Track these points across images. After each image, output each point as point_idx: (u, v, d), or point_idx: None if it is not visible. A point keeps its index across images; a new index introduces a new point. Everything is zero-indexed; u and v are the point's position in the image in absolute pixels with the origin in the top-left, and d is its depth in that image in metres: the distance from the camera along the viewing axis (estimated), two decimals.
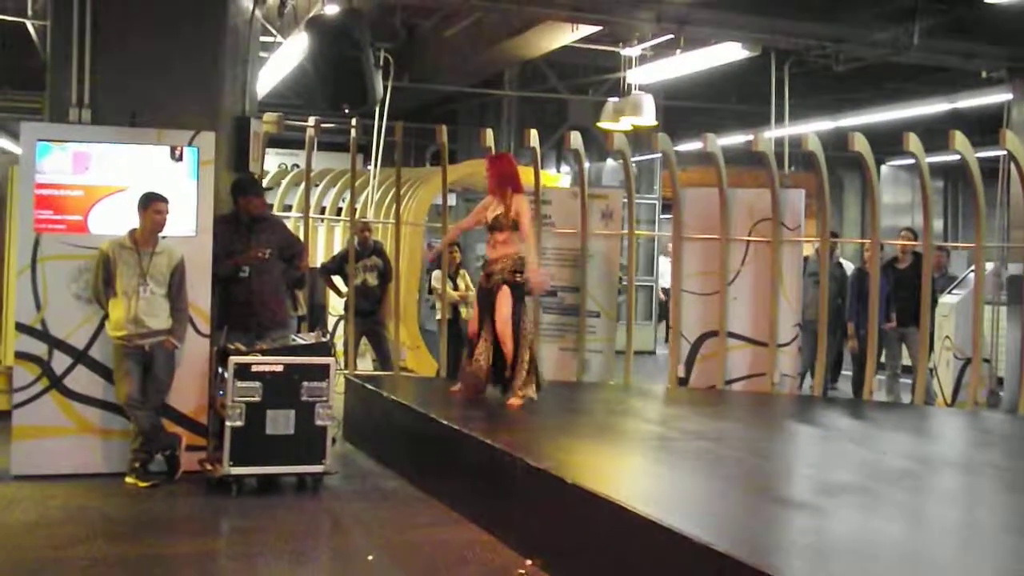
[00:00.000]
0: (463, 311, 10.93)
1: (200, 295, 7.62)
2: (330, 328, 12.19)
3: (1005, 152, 9.85)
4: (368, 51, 8.53)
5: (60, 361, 7.42)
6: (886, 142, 12.41)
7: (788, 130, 13.72)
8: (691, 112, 18.63)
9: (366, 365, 11.44)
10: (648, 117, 13.90)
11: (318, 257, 12.80)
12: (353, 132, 10.63)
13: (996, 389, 11.11)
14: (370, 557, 5.95)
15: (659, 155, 15.64)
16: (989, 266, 11.32)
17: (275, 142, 12.03)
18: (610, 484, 5.70)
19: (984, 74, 13.38)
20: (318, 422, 7.18)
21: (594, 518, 5.28)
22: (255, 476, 7.17)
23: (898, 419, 9.07)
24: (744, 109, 17.71)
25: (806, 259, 10.75)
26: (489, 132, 10.03)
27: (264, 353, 7.26)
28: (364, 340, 10.96)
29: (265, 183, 10.86)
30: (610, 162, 18.54)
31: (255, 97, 8.96)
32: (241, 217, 8.04)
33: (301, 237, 9.83)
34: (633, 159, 11.00)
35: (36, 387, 7.39)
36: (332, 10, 9.11)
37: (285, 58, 11.67)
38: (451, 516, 6.74)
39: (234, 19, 8.41)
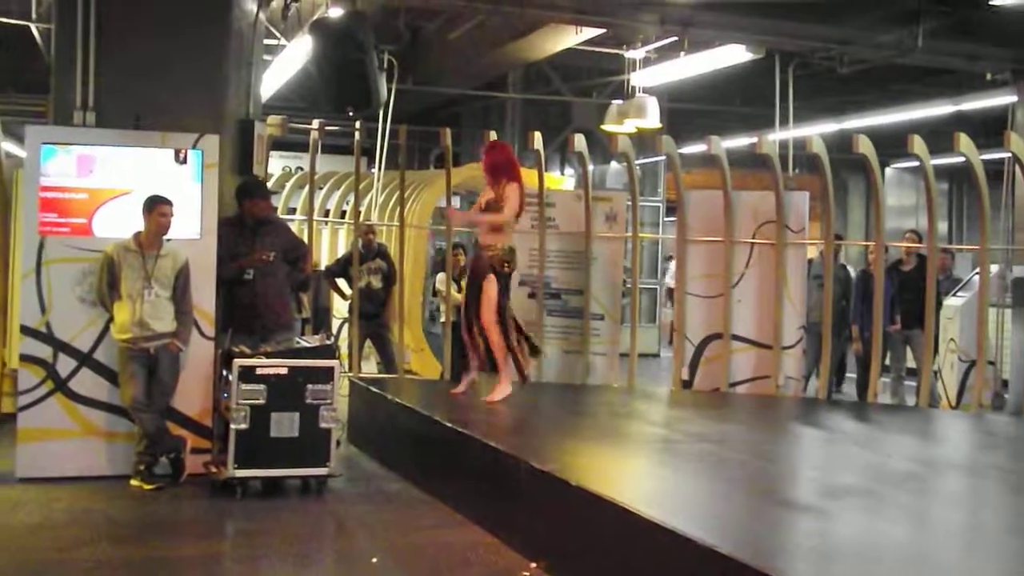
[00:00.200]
0: None
1: (204, 298, 7.63)
2: (334, 331, 12.20)
3: (1010, 154, 9.83)
4: (372, 54, 8.53)
5: (65, 364, 7.42)
6: (890, 144, 12.42)
7: (792, 132, 13.73)
8: (695, 114, 18.64)
9: (370, 368, 11.45)
10: (652, 119, 13.91)
11: (322, 260, 12.81)
12: (357, 135, 10.65)
13: (1001, 391, 11.10)
14: (374, 560, 5.95)
15: (663, 157, 15.63)
16: (994, 268, 11.32)
17: (279, 145, 12.07)
18: (614, 486, 5.70)
19: (989, 76, 13.37)
20: (322, 425, 7.18)
21: (598, 520, 5.28)
22: (259, 479, 7.17)
23: (902, 422, 9.06)
24: (748, 111, 17.72)
25: (810, 261, 10.74)
26: (493, 135, 10.03)
27: (268, 356, 7.26)
28: (368, 343, 10.97)
29: (269, 186, 10.86)
30: (614, 164, 18.55)
31: (259, 100, 8.97)
32: (246, 220, 8.05)
33: (305, 240, 9.84)
34: (637, 161, 11.00)
35: (41, 390, 7.40)
36: (336, 13, 9.12)
37: (289, 61, 11.70)
38: (455, 518, 6.74)
39: (238, 22, 8.42)
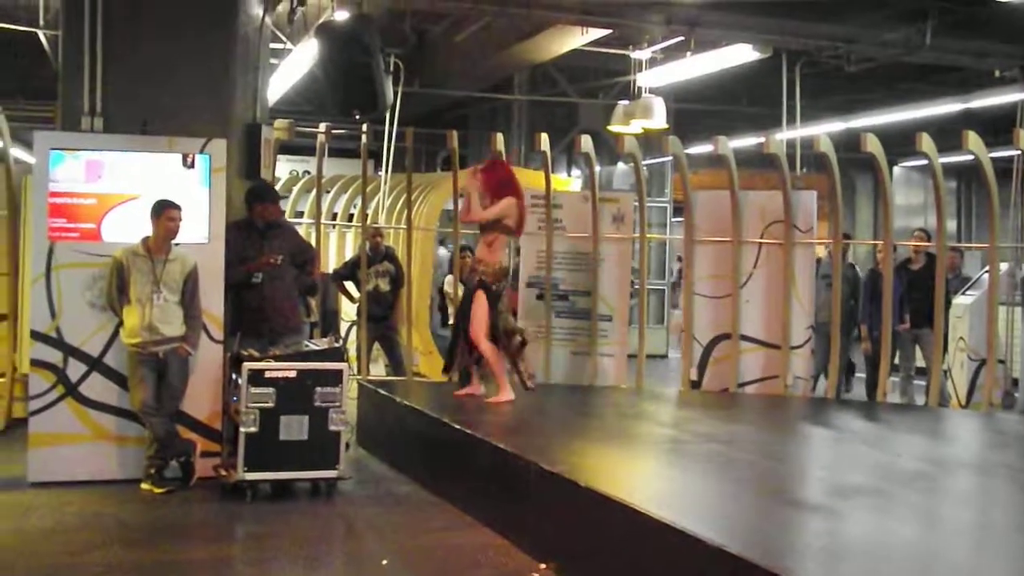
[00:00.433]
0: None
1: (213, 302, 7.64)
2: (343, 334, 12.21)
3: (1019, 152, 9.83)
4: (378, 57, 8.54)
5: (75, 368, 7.44)
6: (898, 143, 12.39)
7: (799, 131, 13.72)
8: (702, 115, 18.64)
9: (379, 370, 11.46)
10: (659, 120, 13.90)
11: (330, 263, 12.83)
12: (364, 138, 10.66)
13: (1011, 390, 11.05)
14: (384, 562, 5.95)
15: (670, 158, 15.63)
16: (1003, 266, 11.27)
17: (286, 149, 12.06)
18: (624, 487, 5.70)
19: (997, 73, 13.34)
20: (331, 427, 7.18)
21: (608, 521, 5.28)
22: (269, 482, 7.18)
23: (912, 421, 9.04)
24: (755, 111, 17.71)
25: (818, 261, 10.72)
26: (500, 137, 10.05)
27: (277, 359, 7.27)
28: (376, 345, 10.98)
29: (276, 190, 10.87)
30: (621, 165, 18.53)
31: (266, 104, 8.99)
32: (254, 224, 8.06)
33: (313, 244, 9.86)
34: (644, 162, 10.99)
35: (52, 394, 7.41)
36: (342, 16, 9.14)
37: (295, 65, 11.72)
38: (465, 520, 6.75)
39: (244, 26, 8.44)
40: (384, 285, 10.77)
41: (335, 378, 7.21)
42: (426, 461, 7.86)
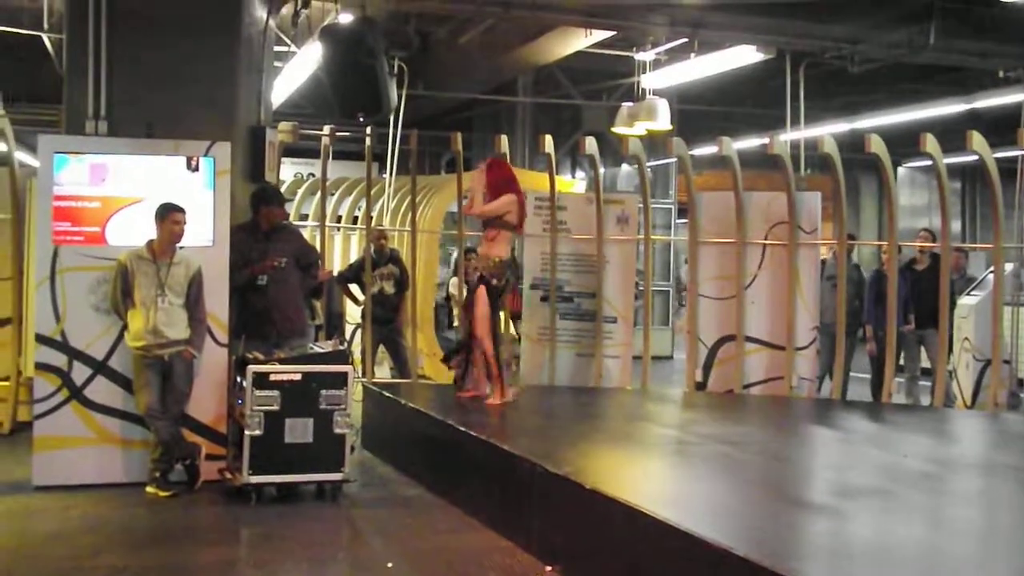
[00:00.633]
0: None
1: (218, 305, 7.64)
2: (347, 336, 12.21)
3: (1023, 152, 9.80)
4: (382, 59, 8.54)
5: (80, 372, 7.45)
6: (902, 143, 12.38)
7: (803, 132, 13.71)
8: (706, 116, 18.63)
9: (384, 373, 11.46)
10: (663, 121, 13.89)
11: (335, 266, 12.82)
12: (368, 140, 10.65)
13: (1016, 391, 11.03)
14: (389, 564, 5.95)
15: (674, 159, 15.62)
16: (1008, 267, 11.25)
17: (290, 151, 12.08)
18: (629, 489, 5.70)
19: (1001, 73, 13.32)
20: (336, 430, 7.18)
21: (613, 523, 5.27)
22: (274, 484, 7.18)
23: (917, 421, 9.03)
24: (759, 112, 17.69)
25: (823, 262, 10.72)
26: (504, 139, 10.04)
27: (282, 362, 7.27)
28: (382, 348, 10.98)
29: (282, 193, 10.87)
30: (625, 167, 18.54)
31: (270, 107, 8.99)
32: (259, 226, 8.06)
33: (317, 246, 9.86)
34: (648, 164, 10.99)
35: (56, 398, 7.42)
36: (346, 19, 9.15)
37: (299, 67, 11.72)
38: (470, 522, 6.74)
39: (248, 29, 8.45)
40: (389, 288, 10.77)
41: (340, 381, 7.21)
42: (431, 463, 7.85)
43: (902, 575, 4.51)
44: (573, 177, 18.67)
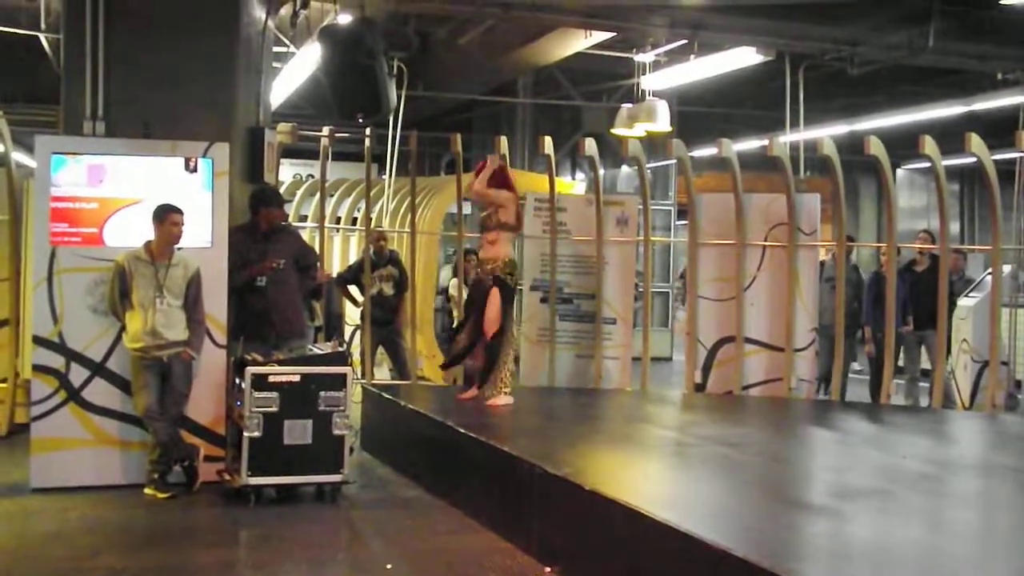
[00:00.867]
0: None
1: (216, 306, 7.63)
2: (347, 338, 12.20)
3: (1021, 154, 9.82)
4: (381, 60, 8.54)
5: (77, 373, 7.43)
6: (901, 145, 12.38)
7: (803, 134, 13.71)
8: (705, 118, 18.63)
9: (383, 374, 11.45)
10: (663, 123, 13.90)
11: (334, 267, 12.82)
12: (367, 141, 10.64)
13: (1014, 392, 11.05)
14: (389, 566, 5.94)
15: (674, 161, 15.62)
16: (1006, 268, 11.26)
17: (289, 152, 12.06)
18: (628, 490, 5.69)
19: (999, 76, 13.33)
20: (335, 431, 7.17)
21: (612, 524, 5.27)
22: (273, 486, 7.17)
23: (915, 423, 9.02)
24: (758, 114, 17.69)
25: (822, 264, 10.71)
26: (503, 140, 10.03)
27: (281, 363, 7.26)
28: (381, 349, 10.97)
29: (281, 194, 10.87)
30: (625, 168, 18.54)
31: (269, 107, 8.99)
32: (257, 227, 8.05)
33: (316, 247, 9.85)
34: (648, 165, 10.98)
35: (54, 400, 7.40)
36: (345, 19, 9.14)
37: (298, 68, 11.72)
38: (469, 524, 6.73)
39: (247, 30, 8.44)
40: (388, 289, 10.76)
41: (339, 382, 7.20)
42: (431, 465, 7.85)
43: (900, 575, 4.52)
44: (573, 178, 18.68)
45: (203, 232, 7.60)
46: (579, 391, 9.97)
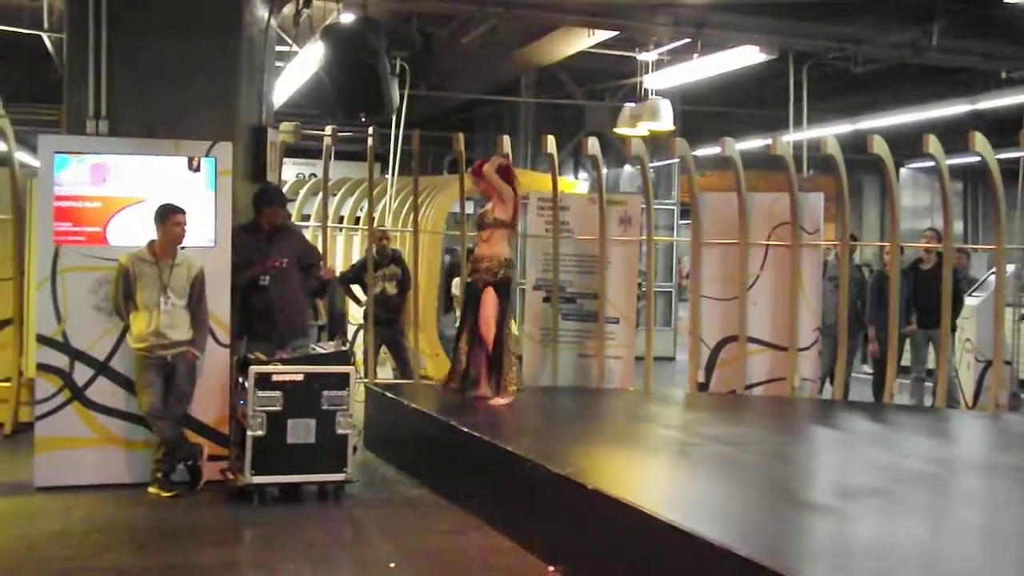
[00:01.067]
0: None
1: (220, 305, 7.63)
2: (349, 337, 12.20)
3: None
4: (384, 59, 8.54)
5: (81, 372, 7.44)
6: (904, 144, 12.38)
7: (806, 133, 13.69)
8: (708, 117, 18.61)
9: (386, 374, 11.45)
10: (666, 122, 13.87)
11: (337, 266, 12.82)
12: (370, 141, 10.64)
13: (1017, 391, 11.03)
14: (392, 564, 5.94)
15: (677, 160, 15.60)
16: (1010, 268, 11.25)
17: (292, 152, 12.06)
18: (631, 489, 5.69)
19: (1004, 75, 13.31)
20: (339, 431, 7.18)
21: (616, 523, 5.27)
22: (277, 485, 7.17)
23: (918, 422, 9.02)
24: (761, 113, 17.67)
25: (825, 263, 10.70)
26: (506, 139, 10.03)
27: (284, 362, 7.26)
28: (384, 348, 10.97)
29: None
30: (627, 168, 18.52)
31: (271, 107, 8.98)
32: (260, 226, 8.05)
33: (319, 247, 9.85)
34: (651, 164, 10.97)
35: (58, 399, 7.41)
36: (348, 19, 9.14)
37: (301, 67, 11.71)
38: (473, 523, 6.73)
39: (250, 29, 8.44)
40: (391, 288, 10.76)
41: (342, 381, 7.21)
42: (434, 464, 7.85)
43: (903, 574, 4.50)
44: (576, 178, 18.65)
45: (206, 231, 7.61)
46: (582, 391, 9.97)
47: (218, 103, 8.10)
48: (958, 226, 22.34)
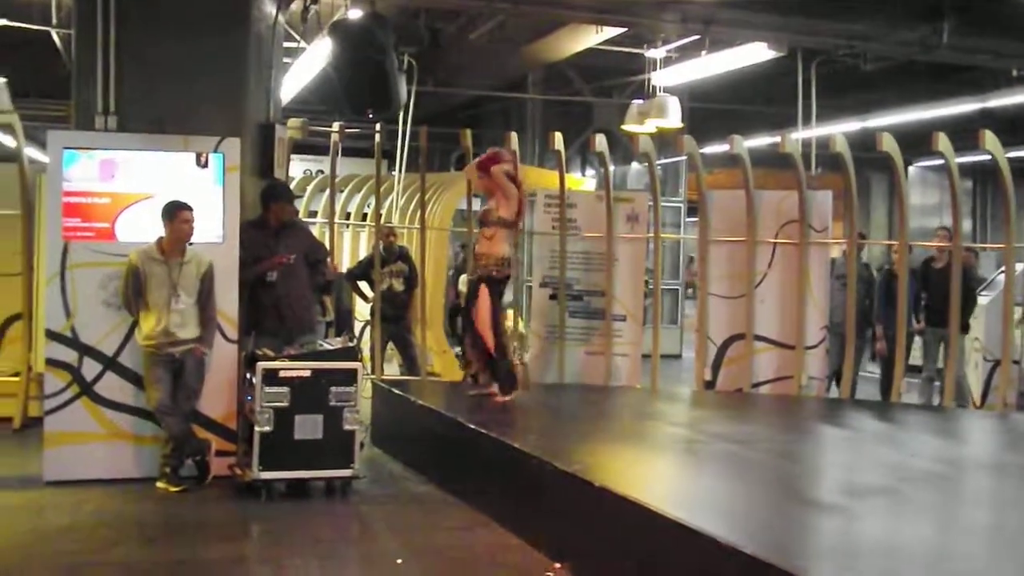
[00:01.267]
0: None
1: (228, 301, 7.65)
2: (356, 333, 12.21)
3: None
4: (392, 55, 8.53)
5: (90, 368, 7.46)
6: (913, 142, 12.34)
7: (815, 131, 13.67)
8: (716, 114, 18.58)
9: (393, 370, 11.46)
10: (674, 119, 13.85)
11: (344, 263, 12.83)
12: (377, 137, 10.64)
13: None
14: (399, 561, 5.95)
15: (684, 157, 15.58)
16: (1019, 267, 11.22)
17: (299, 148, 12.07)
18: (638, 487, 5.69)
19: (1015, 72, 13.27)
20: (346, 427, 7.19)
21: (622, 521, 5.27)
22: (284, 480, 7.18)
23: (926, 421, 9.02)
24: (769, 111, 17.64)
25: (833, 261, 10.68)
26: (514, 135, 10.03)
27: (292, 359, 7.27)
28: (391, 345, 10.98)
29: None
30: (635, 165, 18.49)
31: (279, 103, 8.98)
32: (268, 222, 8.06)
33: (326, 243, 9.86)
34: (658, 162, 10.96)
35: (67, 393, 7.43)
36: (356, 14, 9.13)
37: (309, 63, 11.71)
38: (480, 519, 6.73)
39: (258, 25, 8.44)
40: (398, 285, 10.77)
41: (349, 377, 7.22)
42: (441, 460, 7.85)
43: (910, 574, 4.50)
44: (583, 175, 18.64)
45: (215, 227, 7.62)
46: (589, 388, 9.97)
47: (226, 99, 8.10)
48: (967, 225, 22.31)
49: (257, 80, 8.43)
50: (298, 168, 17.78)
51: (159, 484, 7.28)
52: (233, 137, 7.73)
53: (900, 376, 9.65)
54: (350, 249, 14.12)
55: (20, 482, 7.40)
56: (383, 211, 12.57)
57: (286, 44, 9.80)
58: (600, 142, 10.08)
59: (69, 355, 7.44)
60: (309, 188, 15.16)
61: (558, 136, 10.10)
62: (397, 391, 8.86)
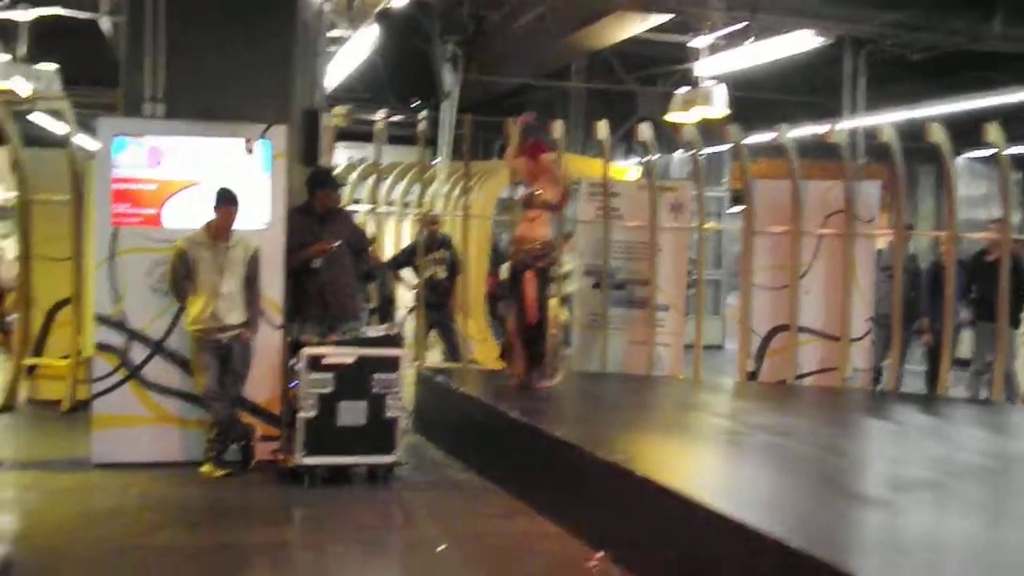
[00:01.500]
0: None
1: (273, 287, 7.71)
2: (399, 320, 12.26)
3: None
4: (437, 44, 8.54)
5: (138, 352, 7.56)
6: (962, 132, 12.17)
7: (861, 121, 13.53)
8: (759, 104, 18.42)
9: (435, 357, 11.50)
10: (719, 108, 13.74)
11: (387, 250, 12.87)
12: (422, 125, 10.66)
13: None
14: (440, 547, 5.98)
15: (727, 147, 15.46)
16: None
17: (344, 135, 12.11)
18: (680, 478, 5.68)
19: None
20: (388, 413, 7.22)
21: (663, 511, 5.26)
22: (327, 466, 7.23)
23: (973, 415, 8.92)
24: (813, 100, 17.47)
25: (879, 252, 10.57)
26: (559, 124, 10.00)
27: (336, 345, 7.32)
28: (433, 332, 11.01)
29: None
30: (678, 154, 18.39)
31: (324, 91, 9.01)
32: (313, 209, 8.09)
33: (370, 230, 9.89)
34: (701, 151, 10.89)
35: (115, 377, 7.54)
36: (401, 3, 9.14)
37: (354, 51, 11.75)
38: (520, 507, 6.75)
39: (304, 12, 8.48)
40: (441, 272, 10.79)
41: (392, 365, 7.25)
42: (482, 448, 7.88)
43: (956, 570, 4.46)
44: (626, 163, 18.56)
45: (262, 213, 7.68)
46: (631, 377, 9.95)
47: (273, 87, 8.14)
48: (1016, 217, 21.97)
49: (303, 68, 8.46)
50: (342, 156, 17.84)
51: (203, 468, 7.36)
52: (280, 124, 7.78)
53: (947, 369, 9.55)
54: (393, 237, 14.16)
55: (69, 464, 7.50)
56: (427, 199, 12.59)
57: (331, 32, 9.84)
58: (644, 131, 10.03)
59: (117, 339, 7.54)
60: (353, 176, 15.21)
61: (603, 125, 10.06)
62: (439, 379, 8.90)
